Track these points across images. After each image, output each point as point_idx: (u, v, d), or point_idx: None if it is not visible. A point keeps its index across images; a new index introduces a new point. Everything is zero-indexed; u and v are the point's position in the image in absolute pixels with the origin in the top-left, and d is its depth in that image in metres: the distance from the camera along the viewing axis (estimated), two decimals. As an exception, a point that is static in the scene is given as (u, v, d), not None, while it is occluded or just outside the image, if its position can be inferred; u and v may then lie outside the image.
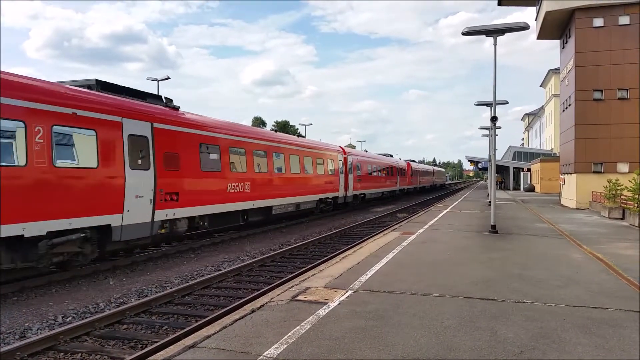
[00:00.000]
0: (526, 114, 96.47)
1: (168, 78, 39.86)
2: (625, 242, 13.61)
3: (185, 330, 6.90)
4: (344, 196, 28.86)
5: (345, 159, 29.41)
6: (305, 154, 23.39)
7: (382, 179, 39.09)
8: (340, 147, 30.70)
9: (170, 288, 9.84)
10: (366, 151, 43.54)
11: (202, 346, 5.27)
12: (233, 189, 16.32)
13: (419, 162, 78.49)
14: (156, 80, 39.39)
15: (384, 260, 10.28)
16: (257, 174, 18.25)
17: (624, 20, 25.68)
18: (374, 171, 36.37)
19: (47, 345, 6.56)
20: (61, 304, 8.85)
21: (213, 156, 15.30)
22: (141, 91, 13.49)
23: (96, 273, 11.28)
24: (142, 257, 13.02)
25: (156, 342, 6.57)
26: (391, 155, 48.61)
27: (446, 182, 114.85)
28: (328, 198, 26.42)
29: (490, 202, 20.06)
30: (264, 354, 4.93)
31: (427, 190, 66.65)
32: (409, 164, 51.75)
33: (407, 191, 51.36)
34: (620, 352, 5.03)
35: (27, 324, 7.63)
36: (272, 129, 47.28)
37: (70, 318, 8.02)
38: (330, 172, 26.55)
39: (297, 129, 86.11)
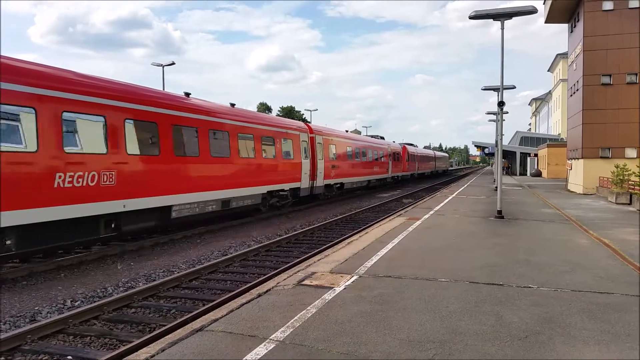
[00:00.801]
0: (533, 99, 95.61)
1: (173, 64, 39.70)
2: (632, 227, 13.55)
3: (193, 314, 6.97)
4: (310, 187, 23.12)
5: (312, 139, 23.56)
6: (240, 130, 16.85)
7: (368, 165, 33.31)
8: (306, 124, 25.47)
9: (178, 272, 9.93)
10: (347, 132, 35.33)
11: (209, 329, 5.33)
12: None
13: (424, 147, 77.36)
14: (161, 65, 39.29)
15: (390, 246, 10.30)
16: (131, 157, 11.88)
17: (635, 3, 25.25)
18: (357, 155, 30.70)
19: (57, 328, 6.66)
20: (70, 288, 8.96)
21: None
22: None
23: (104, 258, 11.39)
24: (150, 242, 13.12)
25: (164, 325, 6.65)
26: (382, 138, 42.92)
27: (449, 168, 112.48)
28: (283, 190, 20.48)
29: (496, 187, 20.00)
30: (270, 337, 4.98)
31: (427, 177, 61.19)
32: (404, 148, 46.51)
33: (403, 178, 46.04)
34: (626, 337, 5.04)
35: (36, 308, 7.74)
36: (277, 115, 45.88)
37: (79, 302, 8.12)
38: (286, 156, 20.60)
39: (303, 114, 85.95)
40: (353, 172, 29.79)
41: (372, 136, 41.15)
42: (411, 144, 53.84)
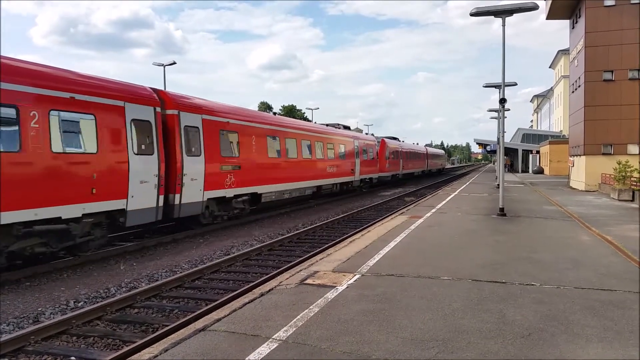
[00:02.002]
0: (535, 96, 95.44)
1: (174, 63, 39.77)
2: (635, 224, 13.52)
3: (196, 313, 6.98)
4: (158, 206, 12.64)
5: (169, 119, 13.44)
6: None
7: (314, 165, 23.75)
8: (159, 92, 13.73)
9: (180, 272, 9.93)
10: (275, 114, 24.48)
11: (212, 329, 5.34)
12: None
13: (426, 144, 73.73)
14: (162, 65, 39.32)
15: (392, 244, 10.30)
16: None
17: (636, -2, 25.16)
18: (291, 151, 21.13)
19: (60, 329, 6.67)
20: (73, 289, 8.98)
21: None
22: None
23: (106, 258, 11.41)
24: (152, 242, 13.13)
25: (167, 325, 6.65)
26: (347, 128, 32.39)
27: (450, 166, 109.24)
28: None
29: (498, 184, 19.97)
30: (273, 337, 4.99)
31: (417, 177, 52.63)
32: (383, 142, 37.58)
33: (381, 180, 36.82)
34: (628, 333, 5.03)
35: (40, 309, 7.75)
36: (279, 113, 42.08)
37: (82, 303, 8.13)
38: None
39: (304, 113, 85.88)
40: (281, 176, 19.87)
41: (330, 125, 29.87)
42: (394, 138, 45.53)
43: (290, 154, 21.14)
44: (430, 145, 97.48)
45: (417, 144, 61.18)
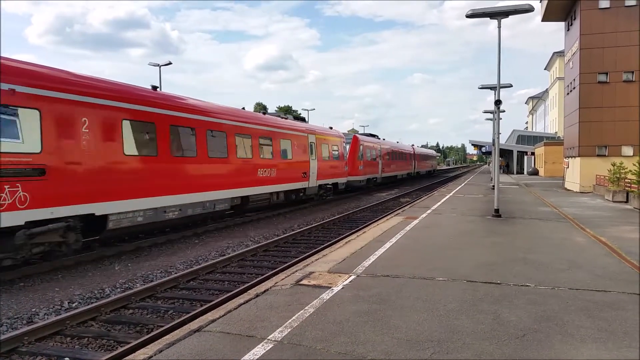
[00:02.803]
0: (530, 97, 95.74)
1: (170, 63, 39.64)
2: (629, 225, 13.59)
3: (191, 314, 6.96)
4: None
5: None
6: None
7: (232, 167, 16.47)
8: None
9: (175, 273, 9.91)
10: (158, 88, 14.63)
11: (207, 330, 5.32)
12: None
13: (422, 145, 70.10)
14: (158, 65, 39.23)
15: (387, 245, 10.31)
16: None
17: (631, 1, 25.31)
18: (173, 143, 13.52)
19: (54, 330, 6.64)
20: (67, 289, 8.94)
21: None
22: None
23: (101, 259, 11.37)
24: (147, 242, 13.09)
25: (162, 326, 6.64)
26: (303, 120, 27.21)
27: (445, 167, 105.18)
28: None
29: (493, 186, 20.02)
30: (268, 338, 4.98)
31: (402, 180, 45.28)
32: (356, 139, 31.63)
33: (352, 186, 30.17)
34: (623, 334, 5.05)
35: (34, 310, 7.71)
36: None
37: (76, 303, 8.10)
38: None
39: (300, 113, 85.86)
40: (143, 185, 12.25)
41: (271, 114, 21.73)
42: (373, 135, 40.22)
43: (179, 151, 13.82)
44: (425, 146, 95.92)
45: (398, 141, 52.34)
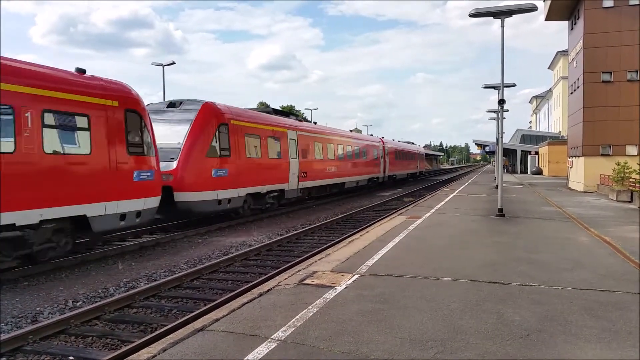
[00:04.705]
0: (534, 97, 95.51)
1: (173, 63, 39.75)
2: (633, 225, 13.55)
3: (195, 313, 6.97)
4: None
5: None
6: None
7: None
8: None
9: (179, 272, 9.93)
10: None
11: (211, 329, 5.33)
12: None
13: (425, 145, 64.88)
14: (161, 65, 39.30)
15: (391, 245, 10.30)
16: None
17: (635, 0, 25.21)
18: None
19: (59, 329, 6.65)
20: (71, 288, 8.96)
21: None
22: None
23: (105, 258, 11.40)
24: (151, 242, 13.13)
25: (166, 325, 6.64)
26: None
27: (447, 167, 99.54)
28: None
29: (497, 185, 19.99)
30: (272, 337, 4.99)
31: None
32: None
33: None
34: (626, 334, 5.04)
35: (38, 309, 7.74)
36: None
37: (80, 302, 8.12)
38: None
39: (303, 113, 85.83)
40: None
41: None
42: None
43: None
44: (429, 145, 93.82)
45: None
